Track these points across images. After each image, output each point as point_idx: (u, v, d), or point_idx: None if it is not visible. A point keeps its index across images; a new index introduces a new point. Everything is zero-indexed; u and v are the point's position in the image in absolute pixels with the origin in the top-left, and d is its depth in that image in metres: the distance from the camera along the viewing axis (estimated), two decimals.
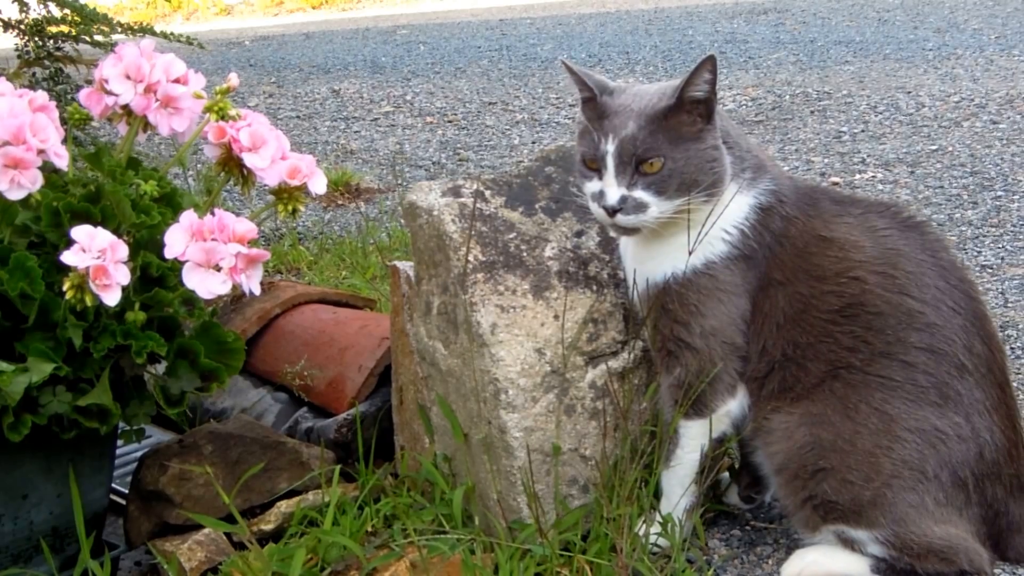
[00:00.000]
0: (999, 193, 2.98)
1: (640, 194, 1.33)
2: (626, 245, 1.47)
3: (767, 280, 1.39)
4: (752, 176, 1.40)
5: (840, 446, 1.33)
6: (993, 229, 2.70)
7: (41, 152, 1.26)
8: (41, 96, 1.32)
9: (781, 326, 1.38)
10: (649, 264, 1.41)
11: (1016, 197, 2.93)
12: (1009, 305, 2.24)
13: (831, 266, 1.37)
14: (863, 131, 3.80)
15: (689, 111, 1.34)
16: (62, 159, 1.30)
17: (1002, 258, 2.51)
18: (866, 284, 1.35)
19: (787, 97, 4.40)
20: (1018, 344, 2.06)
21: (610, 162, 1.34)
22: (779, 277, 1.38)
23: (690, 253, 1.37)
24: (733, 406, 1.41)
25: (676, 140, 1.33)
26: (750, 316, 1.39)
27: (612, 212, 1.34)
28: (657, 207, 1.33)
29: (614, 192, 1.34)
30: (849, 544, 1.35)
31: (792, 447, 1.35)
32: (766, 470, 1.43)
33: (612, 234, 1.44)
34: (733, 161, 1.39)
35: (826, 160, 3.47)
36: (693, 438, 1.43)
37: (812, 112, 4.13)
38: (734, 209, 1.38)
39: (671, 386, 1.42)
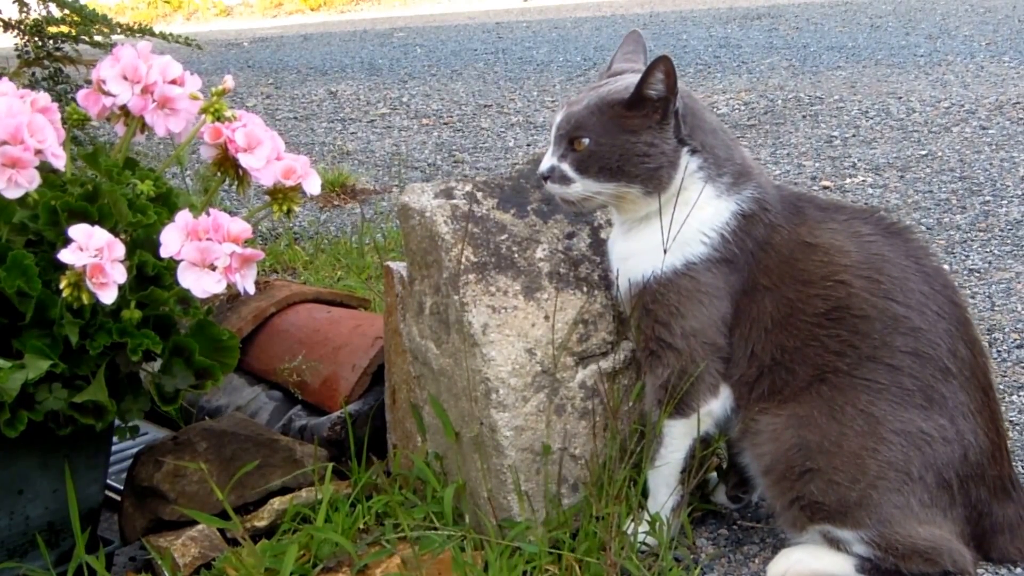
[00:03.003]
0: (987, 198, 3.00)
1: (566, 167, 1.40)
2: (612, 244, 1.49)
3: (753, 285, 1.40)
4: (732, 181, 1.42)
5: (827, 448, 1.34)
6: (981, 233, 2.73)
7: (39, 152, 1.28)
8: (44, 98, 1.33)
9: (769, 331, 1.40)
10: (631, 262, 1.43)
11: (1004, 202, 2.95)
12: (996, 309, 2.26)
13: (817, 270, 1.39)
14: (854, 136, 3.82)
15: (642, 107, 1.37)
16: (59, 159, 1.31)
17: (989, 262, 2.53)
18: (852, 288, 1.37)
19: (780, 102, 4.43)
20: (1004, 347, 2.08)
21: (552, 133, 1.43)
22: (766, 283, 1.40)
23: (666, 251, 1.40)
24: (715, 406, 1.43)
25: (611, 128, 1.38)
26: (737, 320, 1.41)
27: (543, 178, 1.42)
28: (581, 184, 1.40)
29: (547, 160, 1.42)
30: (835, 544, 1.36)
31: (779, 449, 1.37)
32: (753, 471, 1.45)
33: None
34: (704, 164, 1.41)
35: (817, 164, 3.49)
36: (676, 437, 1.44)
37: (804, 117, 4.16)
38: (712, 213, 1.40)
39: (655, 386, 1.44)
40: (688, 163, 1.40)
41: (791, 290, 1.39)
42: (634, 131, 1.37)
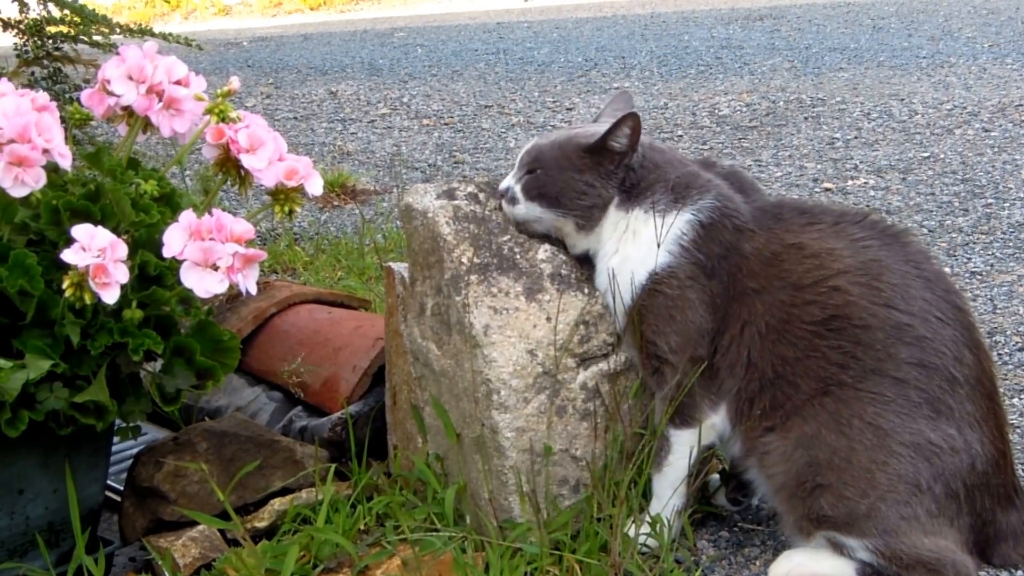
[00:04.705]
0: (990, 200, 3.00)
1: (517, 190, 1.50)
2: (595, 279, 1.51)
3: (742, 290, 1.41)
4: (674, 199, 1.44)
5: (836, 463, 1.34)
6: (983, 236, 2.72)
7: (46, 151, 1.28)
8: (43, 97, 1.33)
9: (764, 335, 1.39)
10: (619, 285, 1.46)
11: (1006, 205, 2.95)
12: (998, 312, 2.26)
13: (808, 273, 1.39)
14: (856, 138, 3.82)
15: (600, 154, 1.46)
16: (65, 158, 1.31)
17: (991, 265, 2.53)
18: (849, 295, 1.37)
19: (781, 103, 4.43)
20: (1005, 350, 2.08)
21: (517, 159, 1.53)
22: (754, 285, 1.41)
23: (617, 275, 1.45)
24: (716, 421, 1.44)
25: (563, 163, 1.48)
26: (728, 325, 1.41)
27: (500, 196, 1.52)
28: (525, 207, 1.50)
29: (505, 181, 1.53)
30: (838, 548, 1.36)
31: (791, 469, 1.37)
32: (763, 488, 1.45)
33: None
34: (631, 190, 1.46)
35: (819, 166, 3.49)
36: (683, 444, 1.45)
37: (806, 118, 4.16)
38: (664, 228, 1.43)
39: (663, 400, 1.45)
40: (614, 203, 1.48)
41: (783, 293, 1.39)
42: (581, 171, 1.46)
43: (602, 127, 1.47)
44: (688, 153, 3.78)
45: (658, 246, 1.42)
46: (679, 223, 1.43)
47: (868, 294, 1.36)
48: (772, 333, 1.39)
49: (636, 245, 1.45)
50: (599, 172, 1.46)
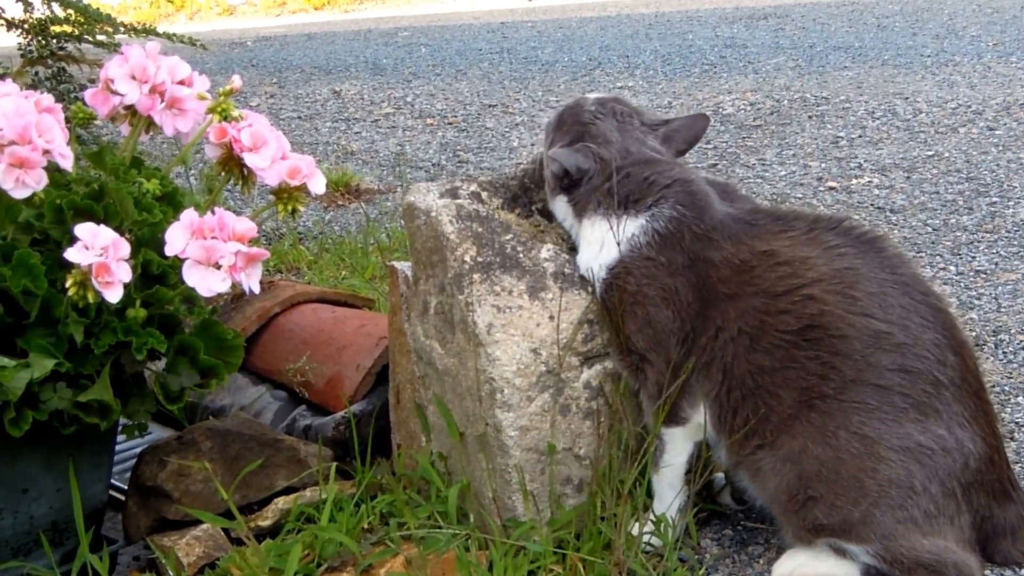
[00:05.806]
0: (994, 199, 2.99)
1: (561, 112, 1.61)
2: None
3: (713, 295, 1.40)
4: (615, 204, 1.47)
5: (825, 475, 1.33)
6: (988, 235, 2.72)
7: (46, 152, 1.28)
8: (47, 98, 1.33)
9: (737, 340, 1.38)
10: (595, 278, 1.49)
11: (1011, 203, 2.95)
12: (1002, 310, 2.26)
13: (781, 281, 1.37)
14: (860, 136, 3.81)
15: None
16: (67, 159, 1.31)
17: (996, 263, 2.52)
18: (824, 304, 1.35)
19: (785, 102, 4.42)
20: (1009, 349, 2.07)
21: (607, 97, 1.63)
22: (726, 290, 1.40)
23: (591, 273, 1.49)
24: (700, 419, 1.44)
25: (563, 134, 1.57)
26: (705, 327, 1.40)
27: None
28: (548, 124, 1.63)
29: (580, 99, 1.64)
30: (841, 553, 1.36)
31: (781, 483, 1.37)
32: (760, 501, 1.45)
33: None
34: (578, 204, 1.51)
35: (823, 165, 3.49)
36: (678, 442, 1.45)
37: (810, 117, 4.15)
38: (613, 239, 1.47)
39: (650, 398, 1.45)
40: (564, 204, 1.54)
41: (756, 300, 1.38)
42: (552, 150, 1.55)
43: (614, 137, 1.53)
44: (691, 152, 3.78)
45: (618, 244, 1.45)
46: (631, 227, 1.45)
47: (844, 303, 1.35)
48: (745, 339, 1.38)
49: (588, 248, 1.49)
50: (551, 168, 1.54)
